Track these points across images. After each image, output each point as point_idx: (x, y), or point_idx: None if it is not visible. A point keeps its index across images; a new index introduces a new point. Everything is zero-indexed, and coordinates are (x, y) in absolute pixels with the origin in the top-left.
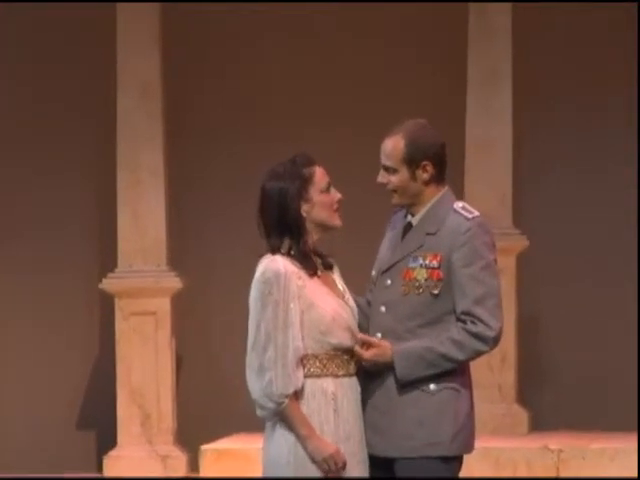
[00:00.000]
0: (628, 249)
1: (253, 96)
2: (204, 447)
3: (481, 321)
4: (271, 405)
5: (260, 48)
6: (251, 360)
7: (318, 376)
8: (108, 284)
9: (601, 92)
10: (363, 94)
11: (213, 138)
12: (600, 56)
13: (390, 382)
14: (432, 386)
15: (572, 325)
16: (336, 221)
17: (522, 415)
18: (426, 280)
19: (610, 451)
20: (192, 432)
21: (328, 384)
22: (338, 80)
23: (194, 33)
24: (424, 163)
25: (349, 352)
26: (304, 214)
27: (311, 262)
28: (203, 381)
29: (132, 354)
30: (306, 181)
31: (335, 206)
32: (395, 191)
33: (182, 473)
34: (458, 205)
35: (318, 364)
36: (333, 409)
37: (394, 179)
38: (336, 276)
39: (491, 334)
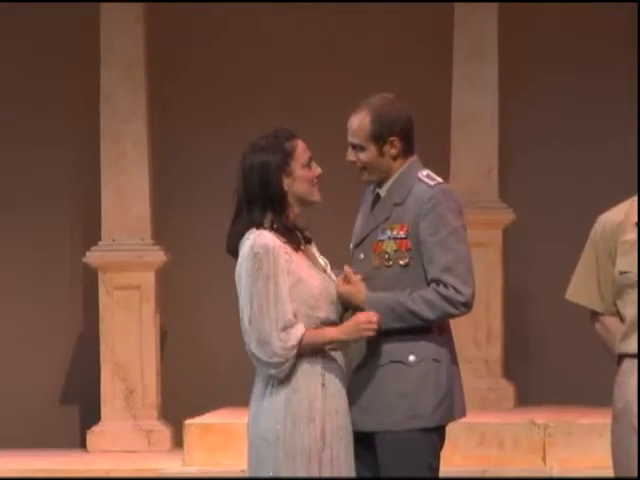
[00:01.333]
0: None
1: (237, 70)
2: (188, 422)
3: (452, 287)
4: (287, 357)
5: (246, 22)
6: (249, 336)
7: None
8: (92, 258)
9: (589, 65)
10: (347, 68)
11: (197, 111)
12: (589, 29)
13: (371, 357)
14: (411, 358)
15: (559, 299)
16: (316, 196)
17: (508, 390)
18: (395, 252)
19: (599, 427)
20: (176, 407)
21: (316, 359)
22: (321, 53)
23: (179, 7)
24: (391, 139)
25: (334, 326)
26: (286, 188)
27: (295, 236)
28: (187, 356)
29: (116, 328)
30: (288, 155)
31: (315, 181)
32: (364, 168)
33: (166, 448)
34: (422, 174)
35: None
36: (321, 384)
37: (362, 156)
38: (315, 250)
39: (461, 299)
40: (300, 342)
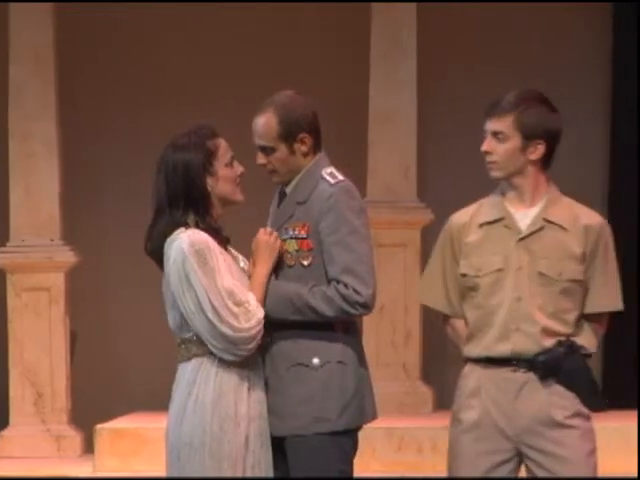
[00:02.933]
0: None
1: (150, 66)
2: (99, 426)
3: (351, 288)
4: (258, 330)
5: (158, 16)
6: (207, 330)
7: None
8: (0, 259)
9: (507, 61)
10: (263, 64)
11: (108, 109)
12: (508, 24)
13: (278, 361)
14: (315, 360)
15: None
16: (239, 196)
17: (427, 394)
18: (297, 251)
19: None
20: (87, 411)
21: (244, 363)
22: (236, 49)
23: (88, 1)
24: (302, 136)
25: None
26: (209, 188)
27: (221, 236)
28: (98, 359)
29: (25, 331)
30: (211, 154)
31: (237, 180)
32: (275, 170)
33: (77, 453)
34: (326, 171)
35: None
36: (247, 388)
37: (273, 158)
38: (233, 250)
39: (360, 299)
40: (258, 304)
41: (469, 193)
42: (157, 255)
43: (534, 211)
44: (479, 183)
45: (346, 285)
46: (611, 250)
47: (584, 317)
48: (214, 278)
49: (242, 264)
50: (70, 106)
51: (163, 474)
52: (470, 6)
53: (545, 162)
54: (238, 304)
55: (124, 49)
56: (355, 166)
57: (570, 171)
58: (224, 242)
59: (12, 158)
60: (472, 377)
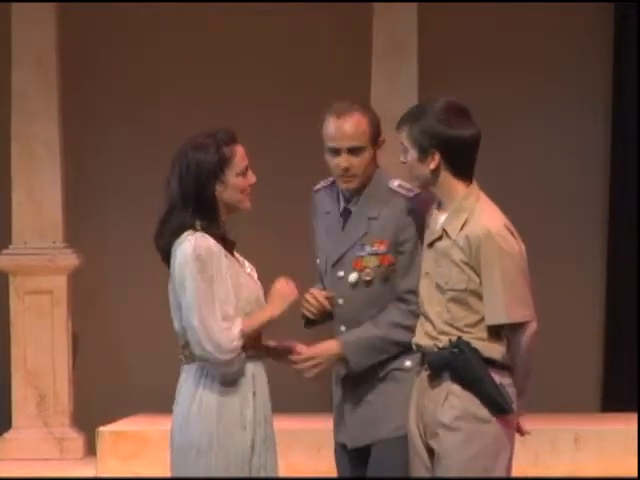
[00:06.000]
0: None
1: (152, 68)
2: (101, 429)
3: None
4: (236, 352)
5: (162, 18)
6: (197, 337)
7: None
8: (2, 261)
9: (510, 59)
10: (267, 66)
11: (111, 111)
12: (509, 27)
13: (368, 371)
14: (407, 363)
15: None
16: (246, 204)
17: None
18: (378, 267)
19: None
20: (89, 413)
21: (248, 366)
22: (240, 52)
23: (91, 2)
24: (380, 139)
25: (260, 334)
26: (217, 193)
27: (228, 241)
28: (100, 361)
29: (27, 334)
30: (225, 161)
31: (248, 190)
32: (355, 175)
33: (79, 455)
34: (394, 183)
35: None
36: (252, 391)
37: (358, 161)
38: (238, 256)
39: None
40: (242, 333)
41: None
42: (165, 253)
43: (441, 219)
44: (479, 183)
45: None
46: (495, 261)
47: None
48: (209, 286)
49: (249, 270)
50: (72, 108)
51: (166, 475)
52: (471, 6)
53: (456, 169)
54: (225, 318)
55: (126, 50)
56: None
57: (570, 171)
58: (230, 247)
59: (14, 160)
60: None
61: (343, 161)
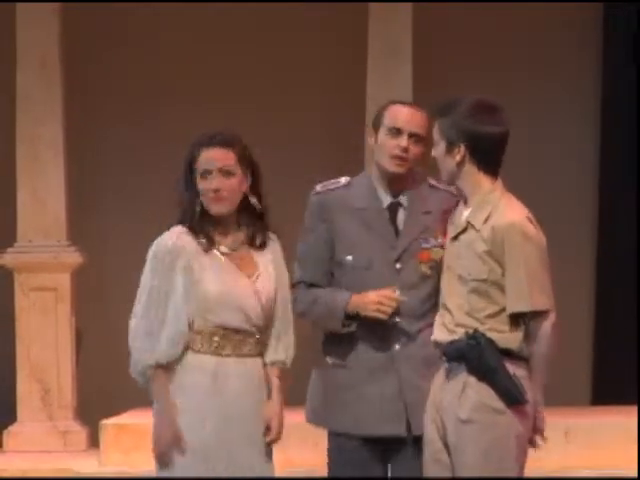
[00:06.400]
0: None
1: (154, 69)
2: (104, 422)
3: None
4: (138, 372)
5: (164, 18)
6: (134, 330)
7: (198, 351)
8: (7, 259)
9: (505, 60)
10: (265, 65)
11: (114, 112)
12: (503, 28)
13: (419, 363)
14: None
15: None
16: (213, 208)
17: None
18: (441, 259)
19: None
20: (93, 407)
21: (209, 361)
22: (239, 51)
23: (94, 3)
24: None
25: (242, 333)
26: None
27: (208, 237)
28: (103, 356)
29: (32, 330)
30: (190, 163)
31: (211, 194)
32: (408, 161)
33: (82, 448)
34: (432, 181)
35: (200, 340)
36: (213, 387)
37: (417, 150)
38: (260, 255)
39: None
40: (153, 368)
41: None
42: None
43: (465, 213)
44: None
45: None
46: (519, 251)
47: (514, 316)
48: (159, 283)
49: (256, 275)
50: (76, 109)
51: None
52: (466, 7)
53: (481, 164)
54: (161, 322)
55: (129, 51)
56: (353, 170)
57: (561, 171)
58: (211, 244)
59: (19, 161)
60: None
61: (403, 141)
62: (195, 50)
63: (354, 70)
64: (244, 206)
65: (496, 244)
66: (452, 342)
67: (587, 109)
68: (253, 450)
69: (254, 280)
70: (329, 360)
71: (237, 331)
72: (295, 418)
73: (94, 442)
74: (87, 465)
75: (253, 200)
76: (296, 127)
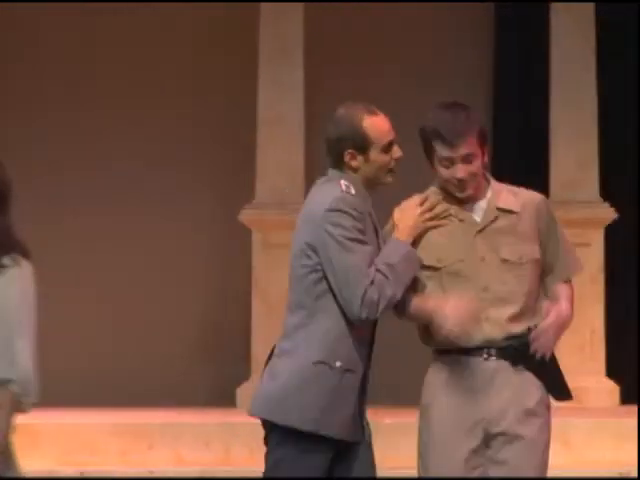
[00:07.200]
0: None
1: (74, 69)
2: None
3: None
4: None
5: (76, 16)
6: None
7: None
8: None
9: (397, 59)
10: (159, 69)
11: (37, 110)
12: (395, 29)
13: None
14: None
15: None
16: None
17: None
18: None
19: (402, 426)
20: None
21: None
22: (141, 54)
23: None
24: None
25: None
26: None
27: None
28: None
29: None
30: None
31: None
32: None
33: None
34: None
35: None
36: None
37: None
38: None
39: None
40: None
41: None
42: None
43: (484, 203)
44: (415, 183)
45: None
46: (556, 220)
47: (550, 295)
48: None
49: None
50: None
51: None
52: (358, 6)
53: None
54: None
55: (49, 50)
56: (244, 169)
57: None
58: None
59: None
60: (443, 368)
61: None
62: (115, 49)
63: (246, 71)
64: None
65: (536, 219)
66: (513, 339)
67: (479, 110)
68: None
69: None
70: (337, 364)
71: None
72: None
73: None
74: None
75: None
76: (190, 130)
